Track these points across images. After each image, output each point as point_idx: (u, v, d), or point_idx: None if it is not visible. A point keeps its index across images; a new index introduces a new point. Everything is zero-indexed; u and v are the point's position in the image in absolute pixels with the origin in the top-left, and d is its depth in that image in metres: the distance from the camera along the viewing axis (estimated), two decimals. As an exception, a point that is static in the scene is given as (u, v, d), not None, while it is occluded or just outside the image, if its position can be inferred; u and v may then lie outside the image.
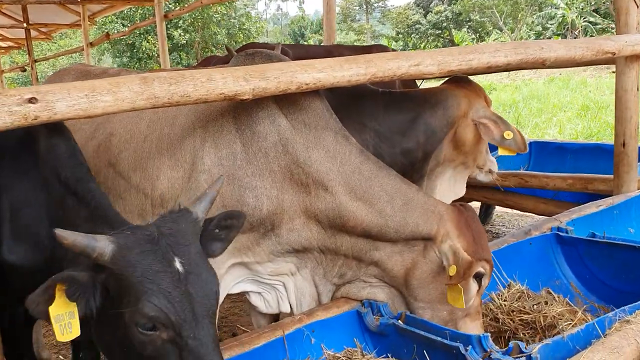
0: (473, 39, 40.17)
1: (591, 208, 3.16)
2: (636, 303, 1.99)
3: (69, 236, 1.39)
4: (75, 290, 1.42)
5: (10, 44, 17.66)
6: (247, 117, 2.21)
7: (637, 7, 3.30)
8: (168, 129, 2.35)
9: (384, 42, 43.41)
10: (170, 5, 27.66)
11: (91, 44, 10.90)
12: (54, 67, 32.81)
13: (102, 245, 1.41)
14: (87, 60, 10.59)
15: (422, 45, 42.30)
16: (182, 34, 28.86)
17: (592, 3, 29.88)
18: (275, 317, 2.59)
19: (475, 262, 2.09)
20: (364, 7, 42.23)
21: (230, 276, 2.35)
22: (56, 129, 1.93)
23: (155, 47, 28.81)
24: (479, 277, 2.13)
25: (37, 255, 1.85)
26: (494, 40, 39.67)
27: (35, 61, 13.01)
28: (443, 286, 2.12)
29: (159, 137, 2.37)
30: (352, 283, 2.33)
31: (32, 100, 1.52)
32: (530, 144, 5.08)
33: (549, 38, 37.86)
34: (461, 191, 3.09)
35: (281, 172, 2.21)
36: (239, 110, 2.20)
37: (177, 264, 1.44)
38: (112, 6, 10.43)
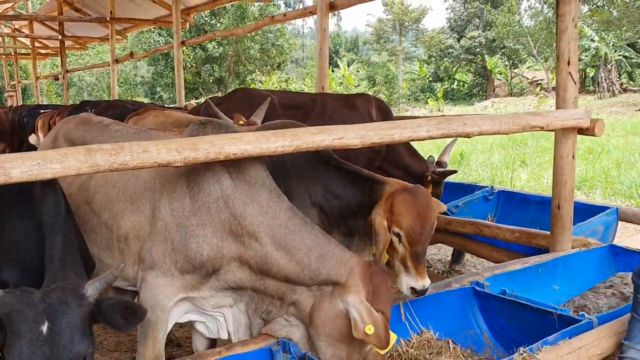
0: (506, 65, 40.20)
1: (516, 265, 3.47)
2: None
3: None
4: None
5: (49, 51, 18.61)
6: (196, 175, 2.62)
7: (575, 84, 3.62)
8: (133, 180, 2.81)
9: (416, 65, 43.68)
10: (206, 18, 28.66)
11: (117, 61, 11.55)
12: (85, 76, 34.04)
13: None
14: (113, 76, 11.26)
15: (454, 69, 42.47)
16: (216, 46, 29.63)
17: (625, 38, 29.76)
18: (213, 342, 3.00)
19: (385, 320, 2.43)
20: (397, 28, 42.56)
21: (179, 309, 2.77)
22: (49, 183, 2.36)
23: (189, 57, 29.75)
24: (374, 327, 2.47)
25: (27, 279, 2.24)
26: (528, 68, 39.68)
27: (67, 71, 13.79)
28: (342, 327, 2.44)
29: (125, 185, 2.83)
30: (275, 320, 2.70)
31: (-8, 168, 1.95)
32: (499, 192, 5.41)
33: (583, 69, 37.64)
34: None
35: (221, 223, 2.61)
36: (191, 170, 2.61)
37: (44, 328, 1.81)
38: (137, 25, 11.07)
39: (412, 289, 2.84)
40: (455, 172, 4.88)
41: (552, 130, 3.60)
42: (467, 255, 5.90)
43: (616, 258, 3.78)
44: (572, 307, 3.33)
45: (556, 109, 3.64)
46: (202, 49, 29.76)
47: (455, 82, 43.34)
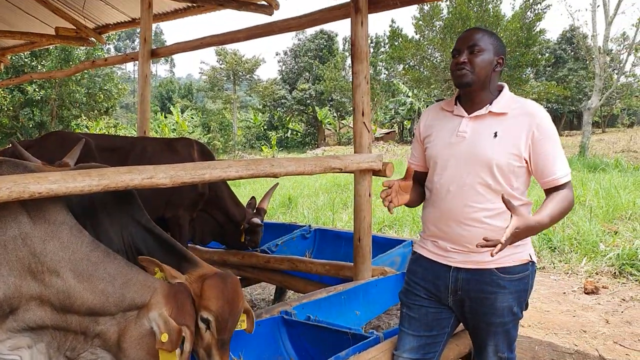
0: (334, 116, 42.83)
1: (322, 294, 3.82)
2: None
3: None
4: None
5: None
6: None
7: (369, 131, 4.15)
8: None
9: (251, 113, 44.82)
10: (27, 60, 26.90)
11: None
12: None
13: None
14: None
15: (287, 119, 44.25)
16: (37, 89, 27.84)
17: (434, 95, 33.40)
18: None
19: (179, 327, 2.56)
20: (232, 77, 43.41)
21: None
22: None
23: (6, 100, 27.56)
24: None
25: None
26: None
27: None
28: (149, 345, 2.55)
29: None
30: (82, 356, 2.70)
31: None
32: (315, 230, 5.84)
33: (401, 122, 41.25)
34: None
35: (19, 261, 2.58)
36: (-15, 210, 2.57)
37: None
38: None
39: None
40: (262, 226, 5.22)
41: (351, 172, 4.06)
42: (290, 292, 6.23)
43: (409, 284, 4.30)
44: (367, 328, 3.73)
45: (354, 153, 4.13)
46: (21, 91, 27.77)
47: (289, 131, 45.13)
